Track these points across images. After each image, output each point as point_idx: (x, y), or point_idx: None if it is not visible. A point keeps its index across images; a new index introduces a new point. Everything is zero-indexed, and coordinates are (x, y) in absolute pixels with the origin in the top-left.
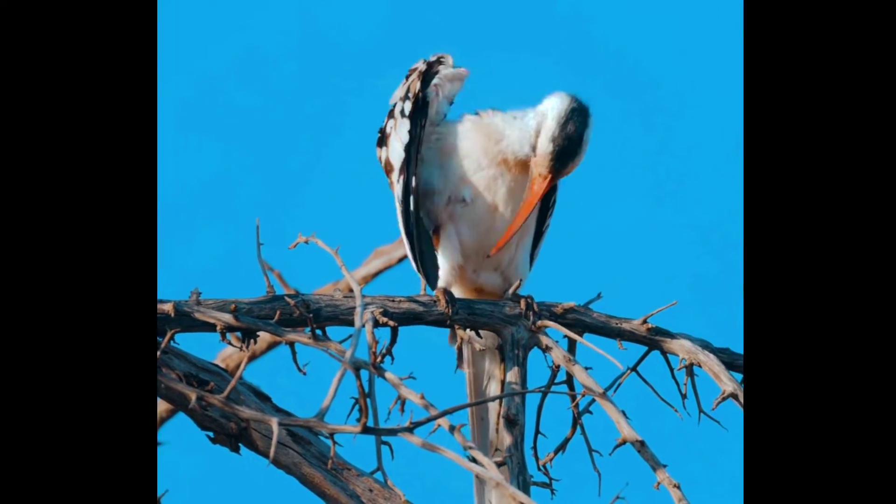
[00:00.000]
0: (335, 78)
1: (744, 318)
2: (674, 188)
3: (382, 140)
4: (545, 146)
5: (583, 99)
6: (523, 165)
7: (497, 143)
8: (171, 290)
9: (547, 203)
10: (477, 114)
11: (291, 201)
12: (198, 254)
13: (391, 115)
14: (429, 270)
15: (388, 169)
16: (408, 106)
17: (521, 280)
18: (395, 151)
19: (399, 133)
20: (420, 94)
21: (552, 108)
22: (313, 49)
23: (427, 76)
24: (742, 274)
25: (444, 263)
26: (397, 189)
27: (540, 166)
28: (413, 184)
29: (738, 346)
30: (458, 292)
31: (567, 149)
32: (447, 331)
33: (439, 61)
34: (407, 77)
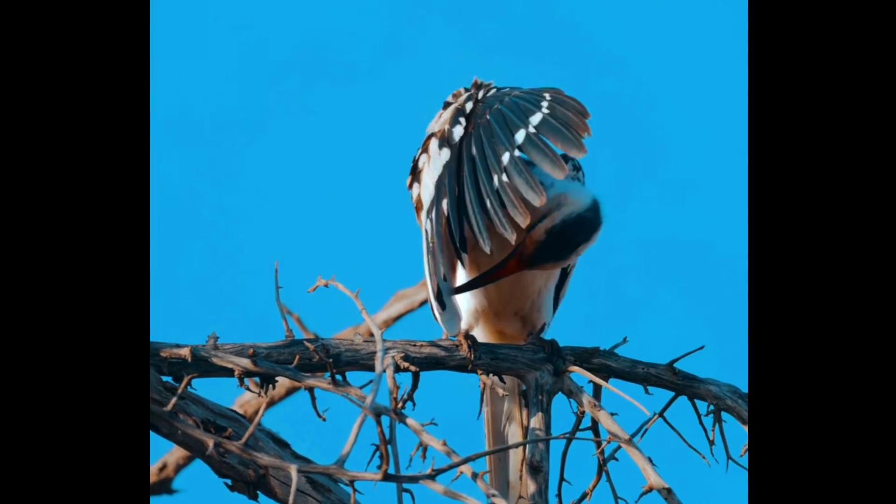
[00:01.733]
0: (342, 96)
1: (748, 354)
2: (702, 227)
3: (414, 171)
4: (539, 234)
5: (603, 205)
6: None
7: None
8: (188, 334)
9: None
10: None
11: (311, 244)
12: (216, 297)
13: (425, 147)
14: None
15: (417, 205)
16: (458, 130)
17: (545, 323)
18: (427, 188)
19: (432, 168)
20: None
21: (569, 205)
22: (315, 61)
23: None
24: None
25: (466, 306)
26: (427, 226)
27: (524, 247)
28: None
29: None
30: (479, 335)
31: (554, 250)
32: (469, 376)
33: (482, 87)
34: (446, 105)
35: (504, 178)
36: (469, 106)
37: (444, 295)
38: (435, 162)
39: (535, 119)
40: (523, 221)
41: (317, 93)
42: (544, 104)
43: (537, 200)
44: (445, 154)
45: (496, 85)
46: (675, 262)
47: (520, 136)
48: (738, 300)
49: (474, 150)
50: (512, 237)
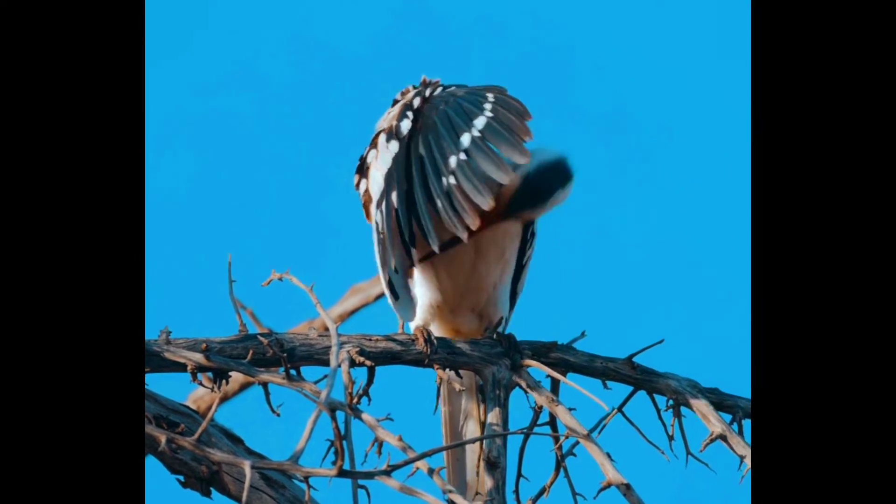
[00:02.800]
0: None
1: (751, 356)
2: (661, 223)
3: (362, 169)
4: (515, 179)
5: (571, 160)
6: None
7: None
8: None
9: (525, 235)
10: None
11: (265, 237)
12: (167, 291)
13: (374, 143)
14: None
15: (366, 200)
16: (406, 124)
17: (502, 318)
18: (376, 181)
19: (381, 162)
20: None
21: (540, 153)
22: (307, 56)
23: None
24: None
25: (421, 301)
26: (377, 218)
27: (500, 195)
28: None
29: (726, 386)
30: (435, 332)
31: (530, 196)
32: (426, 370)
33: (430, 85)
34: (394, 103)
35: (452, 180)
36: (417, 102)
37: (397, 286)
38: (384, 155)
39: (480, 123)
40: (473, 223)
41: (279, 80)
42: (487, 106)
43: (485, 204)
44: (394, 147)
45: (443, 83)
46: (634, 255)
47: (465, 140)
48: (698, 294)
49: (422, 150)
50: (464, 236)
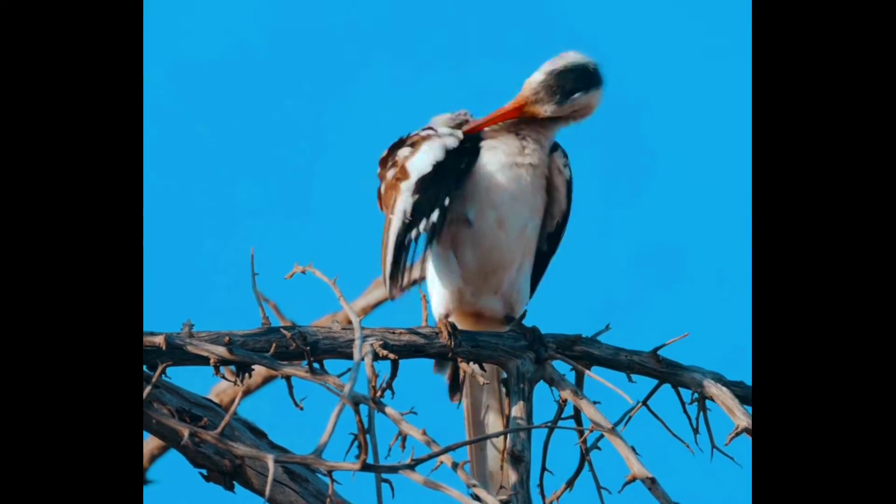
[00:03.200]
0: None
1: (752, 351)
2: (687, 214)
3: (401, 145)
4: (538, 73)
5: (601, 71)
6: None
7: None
8: (162, 321)
9: (559, 231)
10: None
11: (288, 229)
12: (191, 284)
13: (430, 129)
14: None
15: (397, 175)
16: (452, 141)
17: (525, 311)
18: (422, 161)
19: (433, 147)
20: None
21: (571, 54)
22: (297, 52)
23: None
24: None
25: (443, 289)
26: (403, 205)
27: (522, 90)
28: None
29: (752, 379)
30: (456, 318)
31: (557, 87)
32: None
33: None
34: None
35: None
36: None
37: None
38: (436, 145)
39: None
40: None
41: (292, 80)
42: None
43: None
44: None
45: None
46: (659, 246)
47: None
48: (724, 286)
49: None
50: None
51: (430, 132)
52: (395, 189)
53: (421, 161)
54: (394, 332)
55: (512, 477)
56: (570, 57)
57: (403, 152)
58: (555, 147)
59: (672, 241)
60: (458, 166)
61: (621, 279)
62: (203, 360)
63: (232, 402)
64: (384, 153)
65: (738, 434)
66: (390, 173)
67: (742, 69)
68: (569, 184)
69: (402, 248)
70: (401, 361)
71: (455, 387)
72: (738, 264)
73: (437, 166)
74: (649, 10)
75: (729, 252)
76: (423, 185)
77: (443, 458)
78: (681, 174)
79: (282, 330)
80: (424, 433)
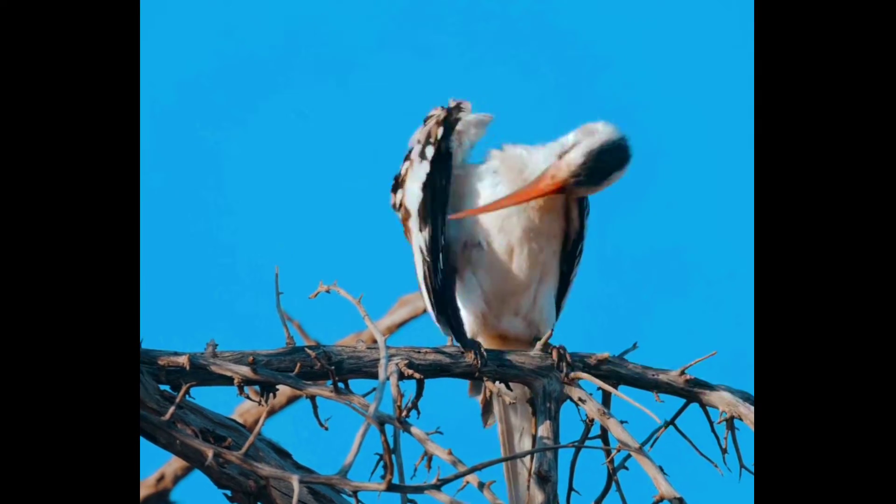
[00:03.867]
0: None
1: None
2: (715, 231)
3: (397, 185)
4: (578, 154)
5: (631, 141)
6: (544, 203)
7: (520, 171)
8: (186, 342)
9: (574, 251)
10: (502, 148)
11: (312, 248)
12: (214, 304)
13: (408, 157)
14: (454, 323)
15: (404, 216)
16: (429, 150)
17: (551, 331)
18: (413, 194)
19: (416, 173)
20: (442, 144)
21: (604, 129)
22: (308, 60)
23: (448, 124)
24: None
25: (467, 313)
26: (419, 239)
27: (560, 170)
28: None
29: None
30: (483, 340)
31: (598, 169)
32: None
33: (459, 108)
34: (425, 122)
35: None
36: (440, 132)
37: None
38: (418, 169)
39: None
40: None
41: (312, 94)
42: None
43: None
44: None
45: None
46: (684, 266)
47: None
48: (751, 306)
49: None
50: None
51: (407, 163)
52: (406, 228)
53: (412, 192)
54: (419, 352)
55: (538, 497)
56: (604, 133)
57: (400, 192)
58: None
59: (686, 247)
60: (441, 182)
61: (648, 297)
62: (227, 380)
63: (256, 422)
64: (391, 196)
65: None
66: (400, 214)
67: (744, 70)
68: (581, 206)
69: (433, 291)
70: (426, 381)
71: (488, 410)
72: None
73: (426, 191)
74: (651, 10)
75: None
76: (425, 215)
77: (469, 478)
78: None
79: (306, 349)
80: (450, 453)
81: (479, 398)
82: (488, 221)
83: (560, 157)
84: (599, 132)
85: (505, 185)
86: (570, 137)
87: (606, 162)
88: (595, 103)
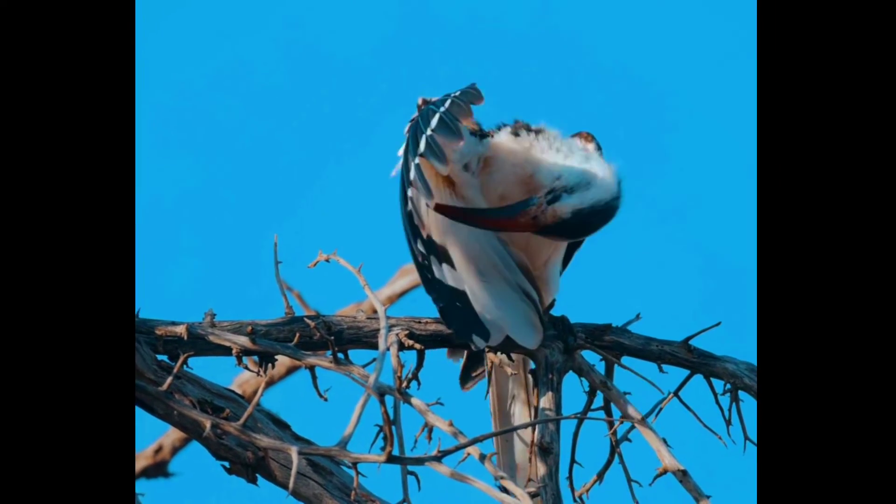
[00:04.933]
0: (331, 84)
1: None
2: (719, 202)
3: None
4: (564, 211)
5: (623, 194)
6: None
7: (530, 175)
8: (184, 311)
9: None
10: (516, 132)
11: (312, 217)
12: (213, 273)
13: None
14: (455, 323)
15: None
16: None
17: (553, 300)
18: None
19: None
20: None
21: (599, 189)
22: (302, 58)
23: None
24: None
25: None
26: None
27: (543, 214)
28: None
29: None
30: None
31: (574, 231)
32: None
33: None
34: (411, 119)
35: (410, 192)
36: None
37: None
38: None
39: (434, 121)
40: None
41: (313, 76)
42: (447, 102)
43: (430, 203)
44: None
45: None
46: (689, 237)
47: (422, 144)
48: (752, 274)
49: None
50: (437, 271)
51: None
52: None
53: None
54: (420, 322)
55: (541, 469)
56: (600, 189)
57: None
58: None
59: (699, 228)
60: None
61: (650, 266)
62: (225, 351)
63: (255, 392)
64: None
65: None
66: None
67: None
68: None
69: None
70: (427, 352)
71: (467, 375)
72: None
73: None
74: (660, 9)
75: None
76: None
77: (470, 449)
78: (731, 148)
79: (305, 319)
80: (451, 424)
81: (457, 361)
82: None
83: (550, 192)
84: (596, 185)
85: (502, 184)
86: (576, 163)
87: (593, 224)
88: (603, 103)
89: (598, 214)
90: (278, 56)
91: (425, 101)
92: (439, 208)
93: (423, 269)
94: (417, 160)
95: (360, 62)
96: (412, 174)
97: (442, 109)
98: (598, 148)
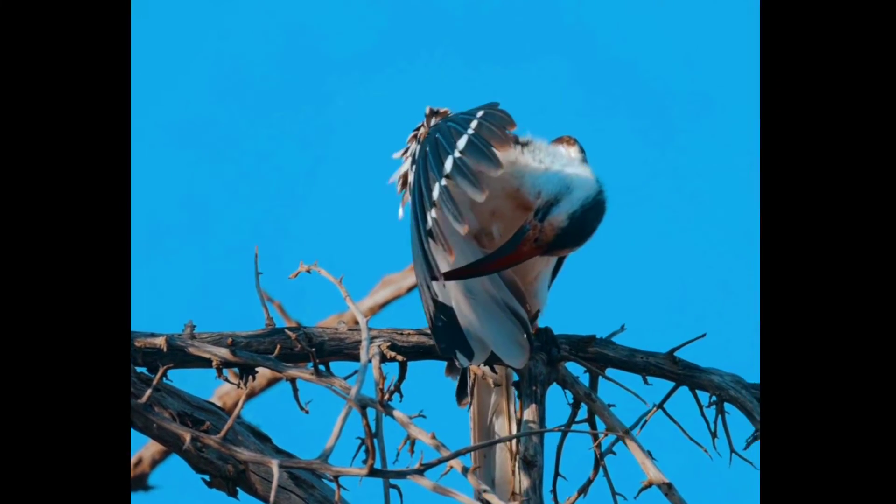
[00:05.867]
0: (324, 88)
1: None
2: (704, 213)
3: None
4: (560, 220)
5: (606, 189)
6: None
7: (517, 189)
8: (163, 322)
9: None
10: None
11: (292, 227)
12: (192, 284)
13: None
14: (444, 340)
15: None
16: (405, 167)
17: (538, 310)
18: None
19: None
20: None
21: (581, 188)
22: (299, 59)
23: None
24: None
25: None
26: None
27: (542, 233)
28: None
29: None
30: None
31: (576, 236)
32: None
33: (441, 114)
34: (416, 128)
35: (433, 213)
36: (414, 146)
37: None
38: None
39: (462, 142)
40: (448, 259)
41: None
42: (473, 123)
43: (461, 229)
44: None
45: (452, 111)
46: (676, 245)
47: (448, 164)
48: (742, 286)
49: (411, 180)
50: (441, 279)
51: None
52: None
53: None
54: (402, 333)
55: (524, 482)
56: (581, 189)
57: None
58: None
59: (683, 235)
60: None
61: (636, 277)
62: (205, 363)
63: (235, 405)
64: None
65: (756, 438)
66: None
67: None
68: None
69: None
70: (409, 363)
71: (463, 391)
72: (752, 263)
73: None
74: (667, 5)
75: (742, 250)
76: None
77: (452, 462)
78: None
79: (286, 331)
80: (433, 437)
81: (457, 378)
82: (503, 211)
83: (537, 212)
84: (577, 186)
85: (492, 199)
86: (556, 174)
87: (590, 221)
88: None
89: (592, 210)
90: (276, 56)
91: (434, 112)
92: (449, 276)
93: (429, 289)
94: (444, 181)
95: (359, 62)
96: (436, 194)
97: (470, 132)
98: (581, 151)
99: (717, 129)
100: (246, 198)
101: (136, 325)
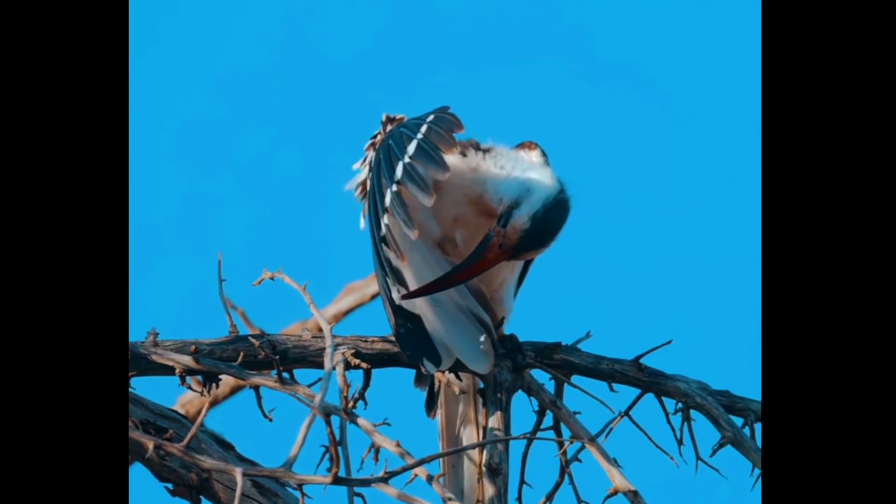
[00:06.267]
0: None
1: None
2: (669, 219)
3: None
4: (522, 222)
5: (568, 188)
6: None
7: (479, 195)
8: (163, 322)
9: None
10: (464, 152)
11: (256, 234)
12: (155, 291)
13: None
14: (409, 347)
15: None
16: (363, 174)
17: (503, 317)
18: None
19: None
20: None
21: (540, 189)
22: (299, 59)
23: None
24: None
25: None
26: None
27: (505, 238)
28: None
29: (737, 388)
30: None
31: (540, 237)
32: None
33: (396, 121)
34: (374, 136)
35: (386, 219)
36: (371, 154)
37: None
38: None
39: (412, 147)
40: (400, 264)
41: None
42: (423, 128)
43: (411, 234)
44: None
45: (407, 116)
46: (641, 251)
47: (399, 170)
48: (709, 292)
49: (369, 188)
50: (396, 294)
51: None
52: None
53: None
54: (366, 341)
55: (489, 490)
56: (540, 190)
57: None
58: None
59: (653, 243)
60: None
61: (601, 284)
62: (168, 370)
63: (198, 413)
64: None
65: (723, 445)
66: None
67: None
68: None
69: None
70: (374, 371)
71: (432, 401)
72: (723, 269)
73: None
74: (667, 7)
75: (715, 257)
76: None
77: (417, 470)
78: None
79: (250, 338)
80: (398, 445)
81: (425, 389)
82: (466, 218)
83: (500, 218)
84: (536, 187)
85: (454, 206)
86: (517, 178)
87: (554, 219)
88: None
89: (554, 210)
90: (274, 55)
91: (390, 119)
92: (407, 296)
93: (388, 292)
94: (395, 187)
95: (357, 62)
96: (388, 201)
97: (419, 136)
98: (543, 154)
99: (718, 129)
100: (209, 205)
101: (133, 327)
